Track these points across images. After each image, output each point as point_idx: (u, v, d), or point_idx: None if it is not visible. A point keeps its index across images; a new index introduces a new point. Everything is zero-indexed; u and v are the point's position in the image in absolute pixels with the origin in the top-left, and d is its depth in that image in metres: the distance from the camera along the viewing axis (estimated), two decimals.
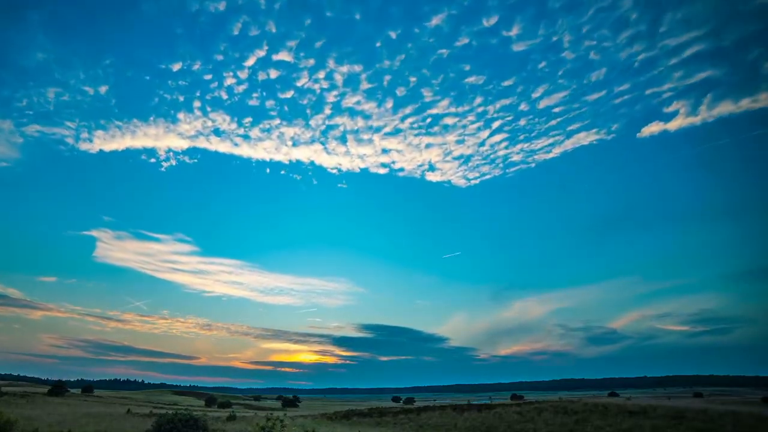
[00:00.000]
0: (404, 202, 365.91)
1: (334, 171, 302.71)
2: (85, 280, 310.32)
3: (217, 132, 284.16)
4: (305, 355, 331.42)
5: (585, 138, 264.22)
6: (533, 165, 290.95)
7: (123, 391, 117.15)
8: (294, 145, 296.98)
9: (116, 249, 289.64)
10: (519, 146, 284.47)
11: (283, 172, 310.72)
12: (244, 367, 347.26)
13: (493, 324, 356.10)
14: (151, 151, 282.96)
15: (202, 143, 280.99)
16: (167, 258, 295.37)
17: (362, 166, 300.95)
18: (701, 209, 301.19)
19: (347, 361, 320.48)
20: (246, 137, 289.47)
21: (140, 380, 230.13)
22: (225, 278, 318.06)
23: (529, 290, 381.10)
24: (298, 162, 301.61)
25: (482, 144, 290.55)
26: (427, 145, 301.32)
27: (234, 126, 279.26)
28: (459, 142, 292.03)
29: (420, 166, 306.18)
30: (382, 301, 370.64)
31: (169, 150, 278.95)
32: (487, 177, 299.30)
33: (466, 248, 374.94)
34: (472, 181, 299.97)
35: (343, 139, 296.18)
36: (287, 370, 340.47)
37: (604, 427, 24.17)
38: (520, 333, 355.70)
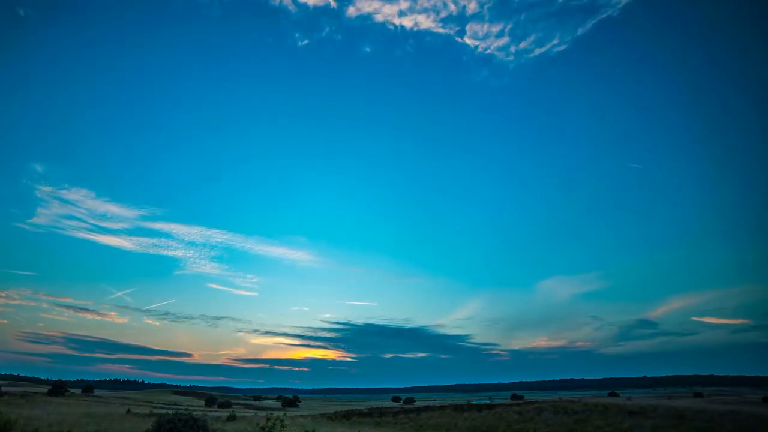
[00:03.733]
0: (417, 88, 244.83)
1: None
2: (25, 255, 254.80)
3: None
4: (300, 351, 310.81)
5: None
6: (615, 12, 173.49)
7: (123, 390, 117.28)
8: None
9: (55, 207, 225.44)
10: None
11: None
12: (237, 365, 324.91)
13: (513, 313, 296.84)
14: None
15: None
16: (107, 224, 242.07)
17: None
18: None
19: (347, 358, 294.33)
20: None
21: (140, 380, 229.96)
22: (207, 255, 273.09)
23: (560, 267, 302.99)
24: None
25: None
26: None
27: None
28: None
29: (448, 21, 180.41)
30: (380, 285, 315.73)
31: None
32: (548, 46, 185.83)
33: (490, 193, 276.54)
34: (526, 56, 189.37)
35: None
36: (284, 368, 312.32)
37: (604, 427, 24.19)
38: (542, 325, 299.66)
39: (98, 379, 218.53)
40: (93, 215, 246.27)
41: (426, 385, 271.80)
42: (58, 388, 49.85)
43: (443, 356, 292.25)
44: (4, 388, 48.36)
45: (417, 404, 57.93)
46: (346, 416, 34.53)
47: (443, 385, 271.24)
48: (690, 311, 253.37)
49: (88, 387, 67.36)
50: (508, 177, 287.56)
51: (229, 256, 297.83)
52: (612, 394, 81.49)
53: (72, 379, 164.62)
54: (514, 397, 70.25)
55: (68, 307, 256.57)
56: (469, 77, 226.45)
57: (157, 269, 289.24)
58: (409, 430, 28.37)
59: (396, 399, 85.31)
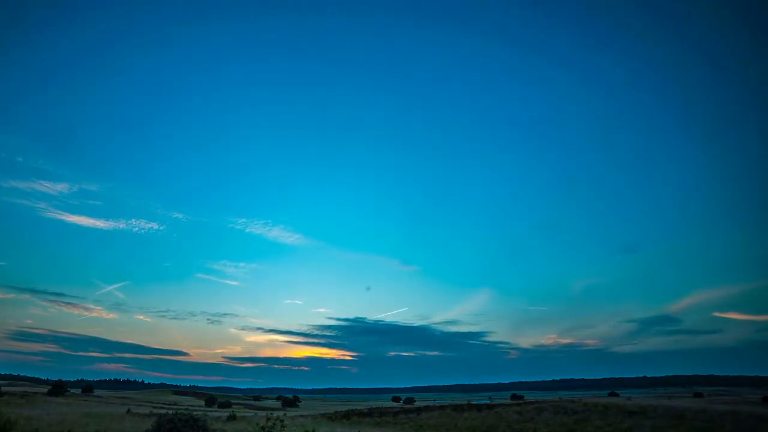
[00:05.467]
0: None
1: None
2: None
3: None
4: (300, 350, 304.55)
5: None
6: None
7: (123, 390, 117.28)
8: None
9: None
10: None
11: None
12: (235, 365, 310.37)
13: (521, 311, 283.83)
14: None
15: None
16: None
17: None
18: None
19: (347, 357, 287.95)
20: None
21: (139, 380, 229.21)
22: (191, 241, 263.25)
23: (574, 263, 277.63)
24: None
25: None
26: None
27: None
28: None
29: None
30: (379, 282, 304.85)
31: None
32: None
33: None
34: None
35: None
36: (283, 367, 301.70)
37: (604, 427, 24.20)
38: (553, 322, 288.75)
39: (97, 378, 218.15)
40: (60, 192, 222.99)
41: (427, 384, 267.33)
42: (58, 388, 49.88)
43: (447, 354, 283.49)
44: (4, 388, 48.34)
45: (417, 404, 57.94)
46: (346, 416, 34.53)
47: (444, 385, 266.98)
48: (711, 306, 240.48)
49: (88, 387, 67.41)
50: (510, 170, 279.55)
51: (218, 240, 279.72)
52: (612, 394, 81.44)
53: (71, 379, 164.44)
54: (513, 397, 70.23)
55: (55, 302, 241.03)
56: None
57: (141, 260, 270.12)
58: (409, 430, 28.37)
59: (396, 399, 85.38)
